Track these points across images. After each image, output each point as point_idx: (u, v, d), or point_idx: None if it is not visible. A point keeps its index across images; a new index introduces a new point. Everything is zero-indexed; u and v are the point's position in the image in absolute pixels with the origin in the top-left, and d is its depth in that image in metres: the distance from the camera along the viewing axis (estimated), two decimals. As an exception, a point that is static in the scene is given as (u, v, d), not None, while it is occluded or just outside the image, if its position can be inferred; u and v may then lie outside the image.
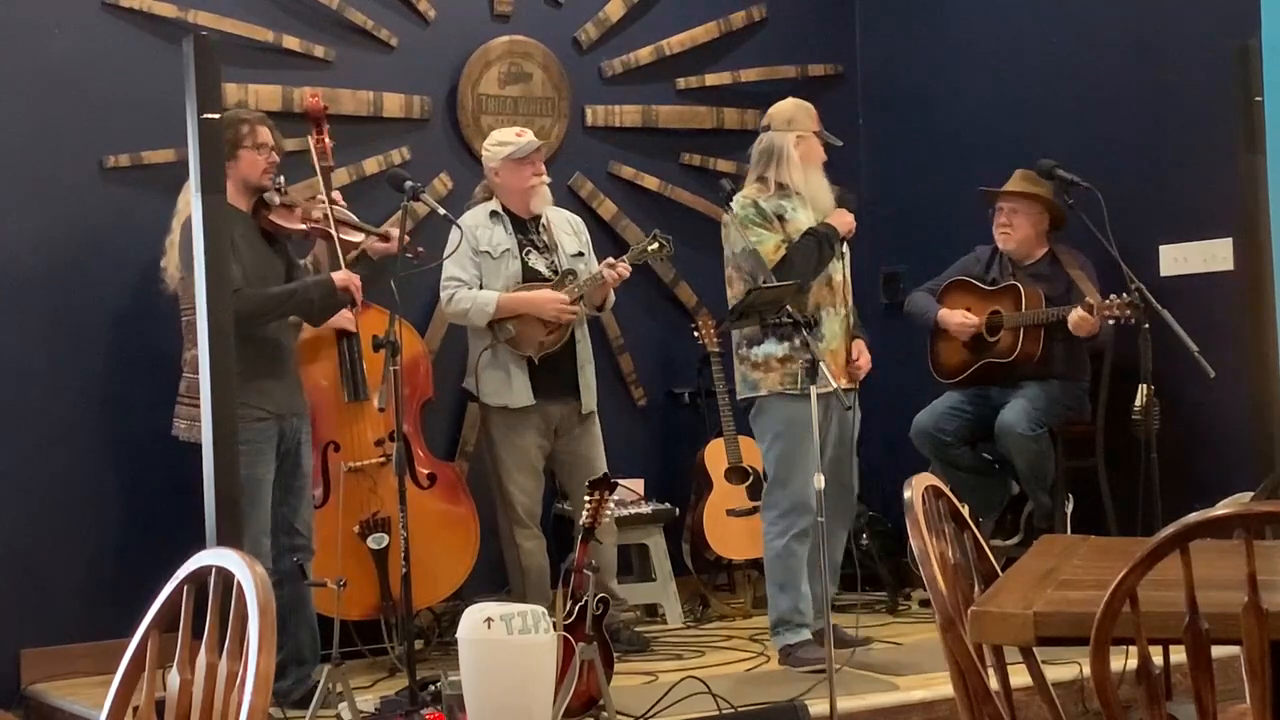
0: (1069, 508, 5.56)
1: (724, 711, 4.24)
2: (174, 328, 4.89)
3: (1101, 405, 5.64)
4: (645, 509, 5.91)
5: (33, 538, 5.21)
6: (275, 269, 4.78)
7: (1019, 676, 2.48)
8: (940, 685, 4.13)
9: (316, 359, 5.19)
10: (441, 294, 5.35)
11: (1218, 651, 2.00)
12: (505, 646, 3.93)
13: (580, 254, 5.50)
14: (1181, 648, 2.00)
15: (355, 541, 5.13)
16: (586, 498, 4.45)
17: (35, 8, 5.30)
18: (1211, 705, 2.01)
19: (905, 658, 4.95)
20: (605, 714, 4.21)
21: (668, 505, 5.99)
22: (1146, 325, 5.11)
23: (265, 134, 4.73)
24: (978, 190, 5.78)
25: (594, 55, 6.32)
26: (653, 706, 4.31)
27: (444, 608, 5.49)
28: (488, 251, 5.33)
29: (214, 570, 2.04)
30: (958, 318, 5.72)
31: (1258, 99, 4.79)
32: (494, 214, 5.39)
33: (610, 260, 5.39)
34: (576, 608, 4.32)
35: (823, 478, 4.28)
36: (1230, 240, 5.48)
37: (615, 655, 4.55)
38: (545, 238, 5.45)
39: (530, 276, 5.34)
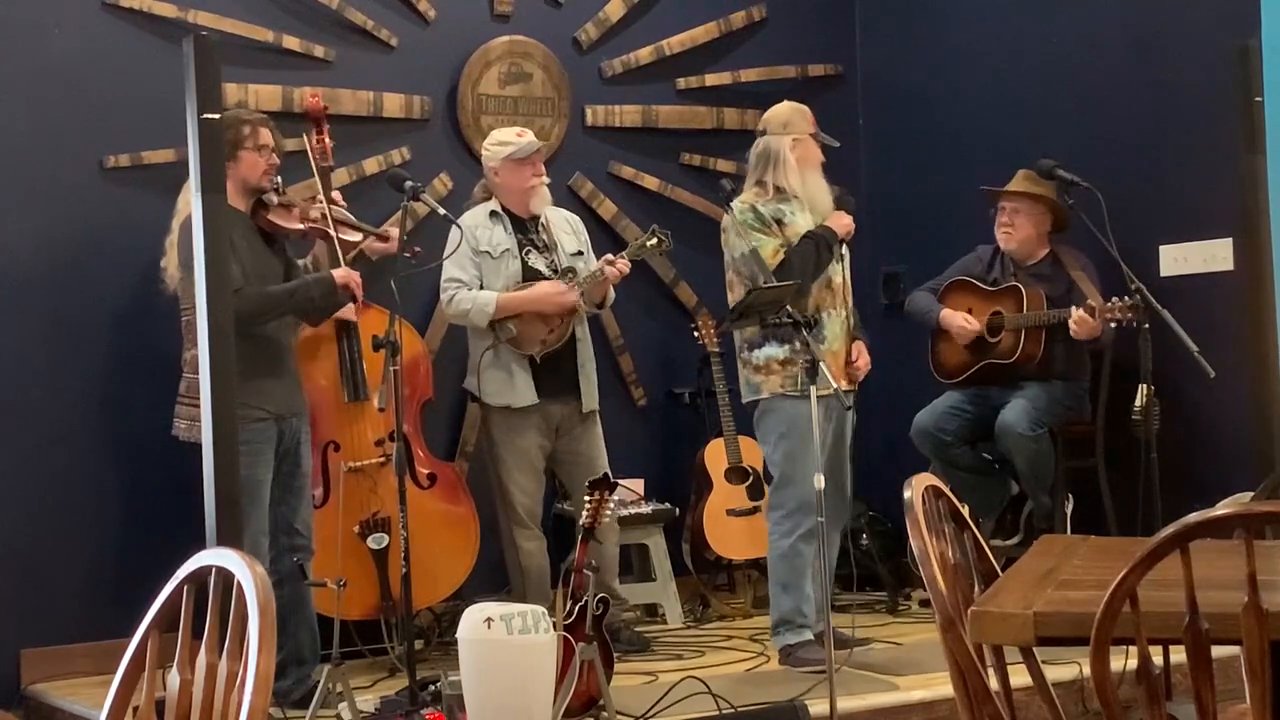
0: (1069, 508, 5.56)
1: (724, 711, 4.24)
2: (174, 328, 4.88)
3: (1101, 405, 5.64)
4: (645, 509, 5.91)
5: (33, 538, 5.21)
6: (274, 269, 4.78)
7: (1019, 676, 2.48)
8: (940, 685, 4.13)
9: (316, 358, 5.19)
10: (441, 295, 5.35)
11: (1218, 651, 2.00)
12: (505, 646, 3.93)
13: (580, 253, 5.50)
14: (1181, 648, 2.00)
15: (355, 541, 5.13)
16: (586, 498, 4.45)
17: (35, 8, 5.30)
18: (1211, 705, 2.01)
19: (905, 658, 4.95)
20: (605, 714, 4.21)
21: (668, 505, 5.99)
22: (1146, 325, 5.11)
23: (266, 135, 4.74)
24: (980, 189, 5.78)
25: (594, 55, 6.32)
26: (653, 706, 4.31)
27: (444, 608, 5.49)
28: (487, 251, 5.33)
29: (214, 570, 2.04)
30: (959, 321, 5.72)
31: (1258, 99, 4.79)
32: (493, 214, 5.39)
33: (609, 257, 5.39)
34: (576, 608, 4.32)
35: (823, 478, 4.28)
36: (1230, 240, 5.48)
37: (615, 655, 4.55)
38: (545, 237, 5.45)
39: (530, 276, 5.34)
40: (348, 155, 5.65)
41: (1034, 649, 2.38)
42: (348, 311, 5.03)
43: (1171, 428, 5.22)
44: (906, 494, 2.50)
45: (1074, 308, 5.39)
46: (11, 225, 5.22)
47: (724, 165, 6.38)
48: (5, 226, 5.21)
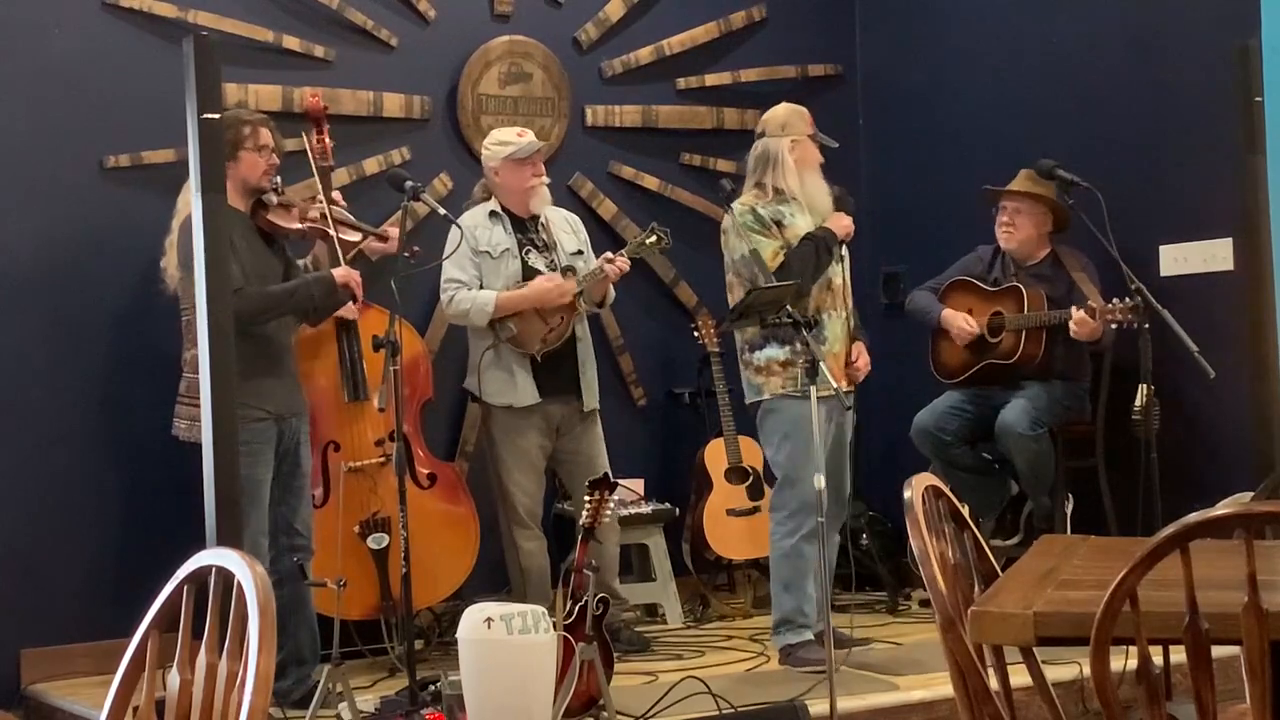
0: (1069, 508, 5.57)
1: (724, 711, 4.24)
2: (174, 328, 4.89)
3: (1101, 405, 5.64)
4: (645, 509, 5.91)
5: (33, 538, 5.21)
6: (273, 269, 4.79)
7: (1019, 676, 2.48)
8: (940, 685, 4.13)
9: (316, 358, 5.19)
10: (441, 295, 5.35)
11: (1218, 651, 2.00)
12: (505, 646, 3.93)
13: (579, 252, 5.50)
14: (1181, 648, 2.00)
15: (355, 541, 5.13)
16: (587, 498, 4.45)
17: (35, 8, 5.30)
18: (1211, 705, 2.01)
19: (905, 658, 4.95)
20: (605, 714, 4.21)
21: (668, 505, 5.99)
22: (1146, 325, 5.12)
23: (266, 135, 4.74)
24: (982, 189, 5.78)
25: (594, 55, 6.32)
26: (653, 706, 4.31)
27: (444, 608, 5.49)
28: (487, 251, 5.33)
29: (214, 570, 2.04)
30: (960, 322, 5.71)
31: (1258, 99, 4.79)
32: (493, 214, 5.39)
33: (609, 255, 5.39)
34: (576, 608, 4.32)
35: (823, 478, 4.28)
36: (1230, 240, 5.48)
37: (615, 655, 4.55)
38: (544, 236, 5.45)
39: (530, 275, 5.34)
40: (348, 155, 5.65)
41: (1034, 649, 2.38)
42: (348, 310, 5.03)
43: (1171, 428, 5.22)
44: (906, 494, 2.50)
45: (1075, 309, 5.38)
46: (11, 225, 5.22)
47: (724, 165, 6.38)
48: (5, 226, 5.21)
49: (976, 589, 2.60)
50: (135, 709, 2.15)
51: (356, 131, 5.74)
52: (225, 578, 2.00)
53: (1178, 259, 5.67)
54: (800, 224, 4.98)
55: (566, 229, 5.54)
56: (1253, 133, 4.93)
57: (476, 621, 3.97)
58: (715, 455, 5.97)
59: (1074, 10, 6.05)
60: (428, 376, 5.48)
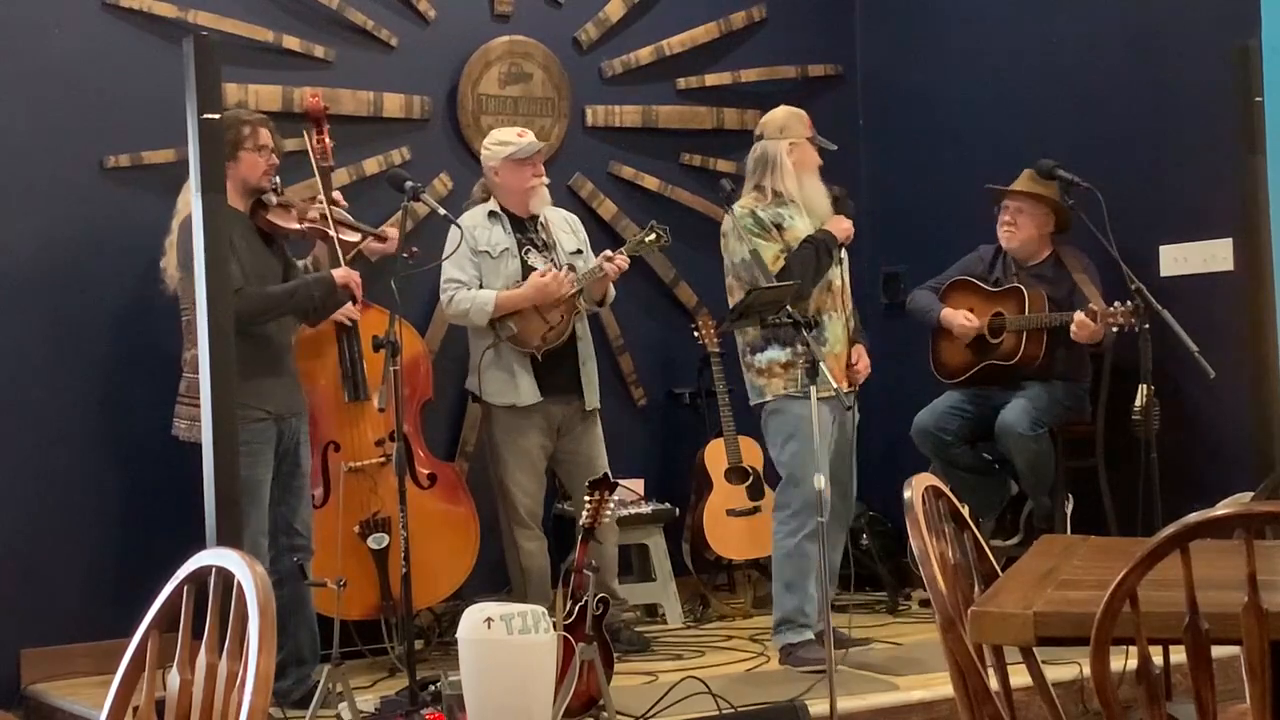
0: (1069, 508, 5.57)
1: (724, 711, 4.24)
2: (174, 328, 4.89)
3: (1101, 405, 5.64)
4: (645, 509, 5.91)
5: (33, 538, 5.21)
6: (273, 269, 4.78)
7: (1019, 676, 2.48)
8: (940, 685, 4.13)
9: (317, 358, 5.19)
10: (441, 295, 5.35)
11: (1218, 651, 2.00)
12: (505, 646, 3.93)
13: (578, 251, 5.50)
14: (1181, 648, 2.00)
15: (355, 541, 5.13)
16: (587, 498, 4.45)
17: (35, 8, 5.30)
18: (1211, 705, 2.01)
19: (905, 658, 4.95)
20: (605, 714, 4.21)
21: (668, 505, 5.99)
22: (1146, 325, 5.12)
23: (266, 136, 4.74)
24: (985, 187, 5.78)
25: (594, 55, 6.32)
26: (653, 706, 4.31)
27: (444, 608, 5.49)
28: (487, 251, 5.33)
29: (214, 570, 2.04)
30: (960, 319, 5.72)
31: (1258, 99, 4.79)
32: (492, 214, 5.39)
33: (608, 253, 5.39)
34: (576, 608, 4.32)
35: (823, 479, 4.29)
36: (1230, 240, 5.48)
37: (615, 655, 4.55)
38: (544, 236, 5.45)
39: (530, 275, 5.34)
40: (348, 155, 5.65)
41: (1034, 649, 2.38)
42: (349, 311, 5.03)
43: (1171, 428, 5.22)
44: (906, 494, 2.50)
45: (1076, 311, 5.38)
46: (11, 225, 5.22)
47: (724, 165, 6.38)
48: (5, 226, 5.21)
49: (976, 589, 2.60)
50: (135, 709, 2.15)
51: (356, 131, 5.74)
52: (225, 578, 2.00)
53: (1178, 259, 5.67)
54: (800, 226, 4.99)
55: (566, 229, 5.54)
56: (1253, 133, 4.93)
57: (476, 621, 3.97)
58: (715, 455, 5.97)
59: (1074, 10, 6.05)
60: (428, 376, 5.48)
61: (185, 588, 2.10)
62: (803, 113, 5.15)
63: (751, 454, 5.90)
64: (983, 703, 2.32)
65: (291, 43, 5.70)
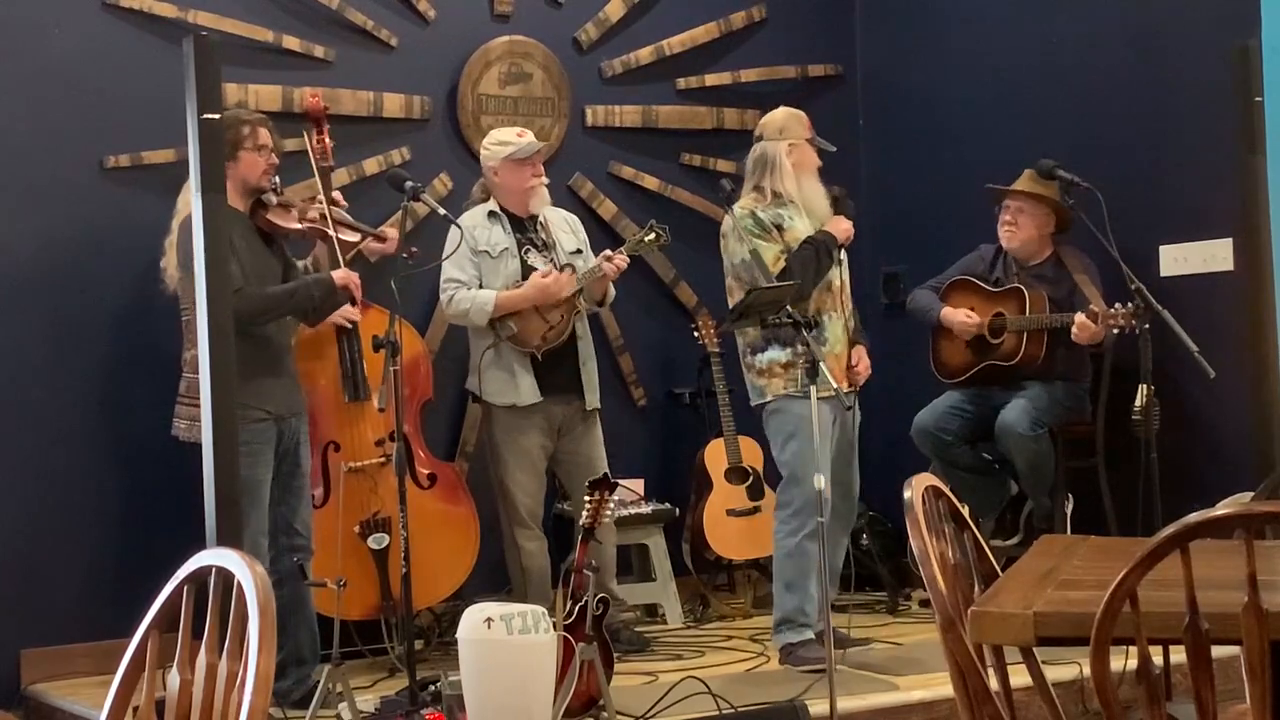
0: (1069, 508, 5.56)
1: (724, 711, 4.24)
2: (174, 328, 4.89)
3: (1101, 405, 5.64)
4: (645, 509, 5.91)
5: (33, 538, 5.21)
6: (272, 269, 4.78)
7: (1019, 676, 2.48)
8: (940, 685, 4.13)
9: (316, 359, 5.19)
10: (441, 295, 5.35)
11: (1218, 651, 2.00)
12: (505, 646, 3.93)
13: (578, 251, 5.50)
14: (1181, 648, 2.00)
15: (355, 541, 5.13)
16: (587, 498, 4.45)
17: (35, 8, 5.30)
18: (1211, 705, 2.01)
19: (905, 658, 4.95)
20: (605, 714, 4.21)
21: (668, 505, 5.99)
22: (1146, 325, 5.12)
23: (265, 135, 4.74)
24: (985, 187, 5.77)
25: (594, 55, 6.32)
26: (653, 706, 4.31)
27: (444, 608, 5.49)
28: (486, 251, 5.33)
29: (214, 570, 2.04)
30: (961, 316, 5.71)
31: (1258, 99, 4.79)
32: (492, 214, 5.39)
33: (608, 252, 5.39)
34: (576, 608, 4.32)
35: (823, 479, 4.29)
36: (1230, 240, 5.48)
37: (615, 655, 4.55)
38: (543, 236, 5.45)
39: (529, 275, 5.34)
40: (348, 155, 5.65)
41: (1034, 649, 2.38)
42: (349, 313, 5.03)
43: (1171, 428, 5.22)
44: (906, 494, 2.50)
45: (1077, 313, 5.38)
46: (11, 225, 5.22)
47: (724, 165, 6.38)
48: (5, 226, 5.21)
49: (976, 589, 2.60)
50: (135, 709, 2.15)
51: (356, 131, 5.74)
52: (225, 578, 2.00)
53: (1178, 259, 5.67)
54: (799, 227, 4.99)
55: (565, 229, 5.54)
56: (1253, 133, 4.93)
57: (476, 621, 3.97)
58: (715, 455, 5.97)
59: (1074, 10, 6.05)
60: (428, 376, 5.48)
61: (185, 588, 2.10)
62: (802, 114, 5.15)
63: (751, 454, 5.90)
64: (983, 703, 2.32)
65: (291, 43, 5.70)
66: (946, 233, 6.23)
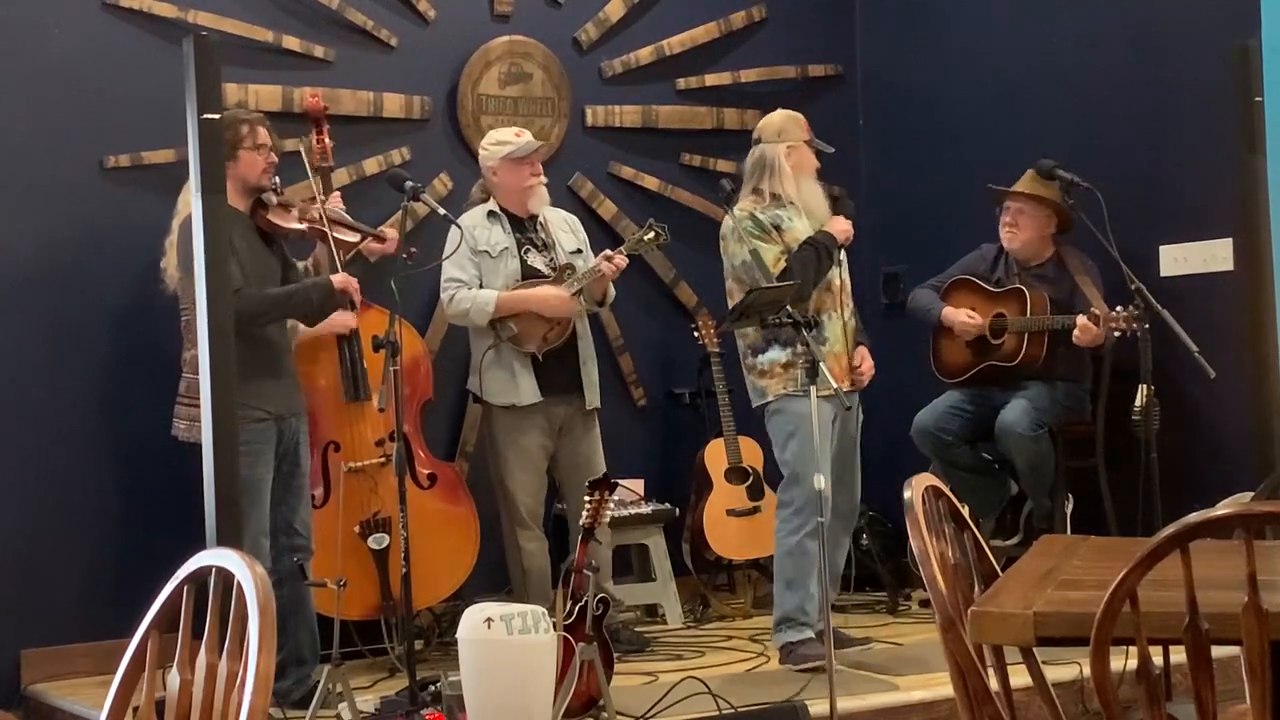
0: (1069, 508, 5.57)
1: (724, 711, 4.24)
2: (174, 328, 4.89)
3: (1101, 406, 5.64)
4: (645, 509, 5.91)
5: (33, 538, 5.21)
6: (272, 269, 4.79)
7: (1019, 676, 2.49)
8: (940, 685, 4.13)
9: (316, 359, 5.19)
10: (441, 295, 5.35)
11: (1218, 651, 2.00)
12: (505, 646, 3.93)
13: (578, 250, 5.50)
14: (1181, 648, 2.00)
15: (355, 541, 5.13)
16: (586, 498, 4.45)
17: (35, 8, 5.30)
18: (1211, 705, 2.01)
19: (905, 657, 4.95)
20: (605, 714, 4.21)
21: (668, 505, 5.98)
22: (1147, 325, 5.12)
23: (263, 134, 4.74)
24: (987, 187, 5.77)
25: (594, 55, 6.32)
26: (653, 706, 4.31)
27: (444, 608, 5.49)
28: (486, 251, 5.33)
29: (214, 570, 2.04)
30: (962, 317, 5.71)
31: (1258, 99, 4.79)
32: (491, 213, 5.39)
33: (607, 252, 5.39)
34: (576, 608, 4.32)
35: (823, 479, 4.29)
36: (1230, 240, 5.48)
37: (615, 655, 4.55)
38: (543, 236, 5.45)
39: (529, 274, 5.34)
40: (348, 155, 5.65)
41: (1034, 649, 2.38)
42: (346, 320, 5.03)
43: (1171, 428, 5.22)
44: (906, 494, 2.50)
45: (1079, 316, 5.37)
46: (11, 225, 5.22)
47: (724, 165, 6.38)
48: (5, 226, 5.21)
49: (976, 589, 2.60)
50: (135, 709, 2.15)
51: (356, 131, 5.74)
52: (225, 578, 2.00)
53: (1178, 259, 5.67)
54: (799, 228, 5.00)
55: (565, 228, 5.54)
56: (1253, 133, 4.93)
57: (476, 621, 3.97)
58: (715, 455, 5.97)
59: (1074, 10, 6.05)
60: (428, 376, 5.48)
61: (185, 588, 2.10)
62: (799, 116, 5.16)
63: (751, 454, 5.90)
64: (983, 703, 2.32)
65: (291, 43, 5.70)
66: (946, 233, 6.23)
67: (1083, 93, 5.99)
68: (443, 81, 6.00)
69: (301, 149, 5.07)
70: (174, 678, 2.05)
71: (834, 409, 4.86)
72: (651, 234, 5.41)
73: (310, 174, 5.07)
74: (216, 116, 4.05)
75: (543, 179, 5.47)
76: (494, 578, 5.61)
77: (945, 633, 2.33)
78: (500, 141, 5.40)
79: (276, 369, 4.72)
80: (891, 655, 5.04)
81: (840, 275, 5.06)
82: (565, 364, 5.36)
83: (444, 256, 5.16)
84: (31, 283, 5.25)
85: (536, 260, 5.39)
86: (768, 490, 5.76)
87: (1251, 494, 4.38)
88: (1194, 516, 2.00)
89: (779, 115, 5.15)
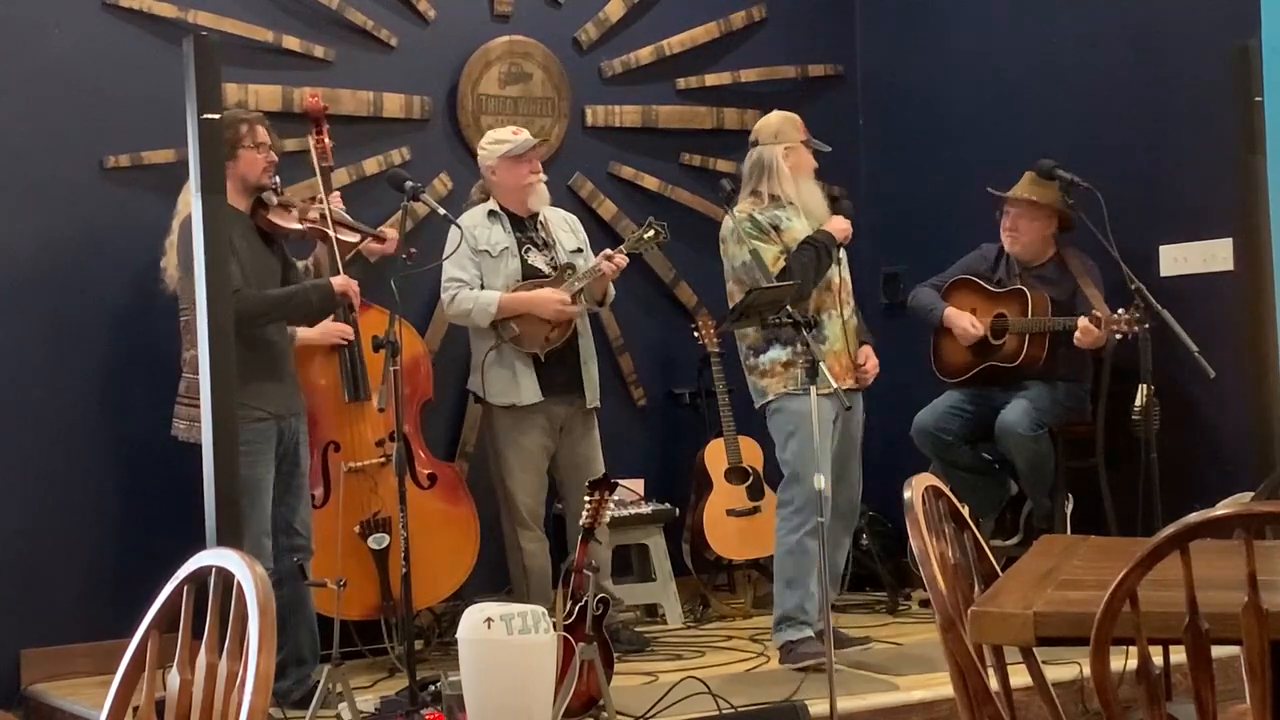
0: (1069, 508, 5.56)
1: (724, 711, 4.24)
2: (174, 328, 4.89)
3: (1101, 406, 5.63)
4: (645, 509, 5.91)
5: (33, 538, 5.21)
6: (272, 269, 4.78)
7: (1019, 676, 2.49)
8: (940, 685, 4.13)
9: (316, 359, 5.19)
10: (442, 295, 5.35)
11: (1218, 651, 2.00)
12: (505, 646, 3.93)
13: (578, 250, 5.50)
14: (1181, 648, 2.00)
15: (355, 541, 5.13)
16: (586, 498, 4.45)
17: (35, 8, 5.30)
18: (1211, 705, 2.01)
19: (905, 657, 4.95)
20: (605, 714, 4.21)
21: (668, 505, 5.99)
22: (1147, 326, 5.12)
23: (263, 133, 4.74)
24: (985, 190, 5.77)
25: (594, 55, 6.32)
26: (653, 706, 4.31)
27: (444, 608, 5.49)
28: (487, 250, 5.33)
29: (214, 570, 2.04)
30: (964, 322, 5.70)
31: (1258, 99, 4.80)
32: (491, 213, 5.39)
33: (608, 251, 5.39)
34: (576, 608, 4.32)
35: (823, 478, 4.29)
36: (1230, 240, 5.48)
37: (615, 655, 4.55)
38: (543, 235, 5.45)
39: (530, 274, 5.34)
40: (348, 155, 5.65)
41: (1034, 649, 2.38)
42: (343, 331, 5.04)
43: (1171, 428, 5.22)
44: (906, 494, 2.50)
45: (1081, 317, 5.37)
46: (11, 225, 5.22)
47: (724, 165, 6.38)
48: (5, 226, 5.21)
49: (976, 589, 2.60)
50: (135, 709, 2.15)
51: (356, 131, 5.74)
52: (225, 578, 2.00)
53: (1178, 259, 5.67)
54: (798, 228, 5.00)
55: (565, 228, 5.55)
56: (1253, 133, 4.94)
57: (476, 621, 3.97)
58: (715, 455, 5.97)
59: (1074, 10, 6.05)
60: (428, 377, 5.48)
61: (185, 588, 2.10)
62: (796, 117, 5.16)
63: (751, 454, 5.90)
64: (983, 703, 2.32)
65: (291, 43, 5.70)
66: (946, 233, 6.23)
67: (1083, 93, 5.99)
68: (443, 81, 6.00)
69: (310, 143, 5.06)
70: (174, 678, 2.05)
71: (834, 408, 4.86)
72: (651, 232, 5.42)
73: (317, 172, 5.06)
74: (216, 116, 4.05)
75: (542, 176, 5.47)
76: (494, 578, 5.61)
77: (945, 633, 2.33)
78: (498, 140, 5.41)
79: (276, 369, 4.72)
80: (891, 655, 5.04)
81: (840, 274, 5.06)
82: (566, 364, 5.36)
83: (444, 256, 5.16)
84: (31, 283, 5.25)
85: (537, 260, 5.39)
86: (768, 490, 5.76)
87: (1251, 494, 4.38)
88: (1194, 516, 2.00)
89: (775, 117, 5.16)
